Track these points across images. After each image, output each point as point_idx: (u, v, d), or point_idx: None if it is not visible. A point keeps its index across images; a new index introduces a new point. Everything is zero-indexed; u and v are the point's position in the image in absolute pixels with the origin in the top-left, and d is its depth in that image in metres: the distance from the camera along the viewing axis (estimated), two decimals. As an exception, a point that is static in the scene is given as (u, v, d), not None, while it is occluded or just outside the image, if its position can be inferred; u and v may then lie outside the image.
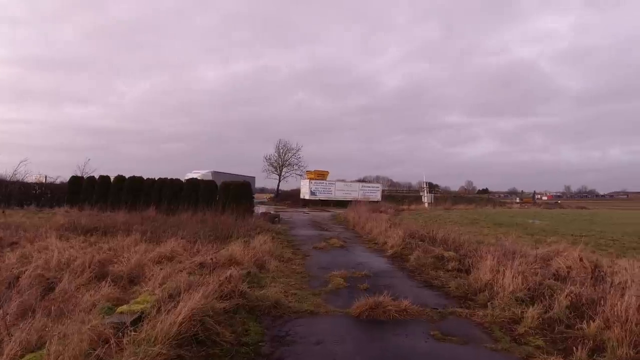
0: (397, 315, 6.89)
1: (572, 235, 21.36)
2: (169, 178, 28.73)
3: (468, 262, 10.51)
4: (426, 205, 62.05)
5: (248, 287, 7.48)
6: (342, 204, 51.63)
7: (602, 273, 8.57)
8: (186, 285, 6.52)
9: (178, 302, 5.50)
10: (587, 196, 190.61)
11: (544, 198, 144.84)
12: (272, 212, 30.31)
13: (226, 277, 7.05)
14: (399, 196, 75.69)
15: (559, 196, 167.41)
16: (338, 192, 59.37)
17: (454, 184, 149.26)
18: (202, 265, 8.90)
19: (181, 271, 8.39)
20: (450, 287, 9.15)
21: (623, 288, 6.59)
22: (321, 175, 62.46)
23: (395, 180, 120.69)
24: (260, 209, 30.56)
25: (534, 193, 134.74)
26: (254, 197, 33.68)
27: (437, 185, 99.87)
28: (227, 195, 24.67)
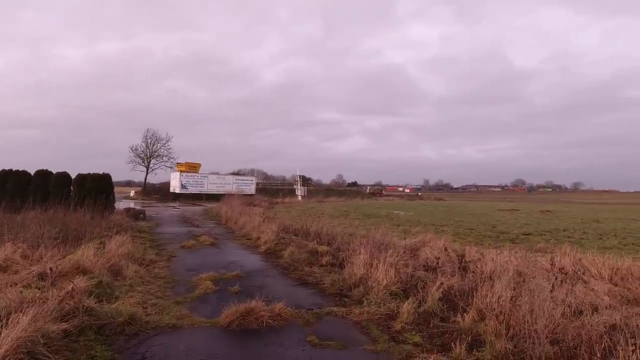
0: (271, 321, 6.30)
1: (433, 225, 22.73)
2: (14, 170, 25.16)
3: (342, 256, 10.35)
4: (300, 198, 62.88)
5: (97, 301, 6.29)
6: (215, 197, 49.93)
7: (467, 262, 8.86)
8: (17, 303, 5.33)
9: (1, 328, 4.37)
10: (443, 189, 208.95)
11: (406, 190, 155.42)
12: (137, 207, 28.13)
13: (67, 292, 5.86)
14: (273, 189, 75.59)
15: (419, 189, 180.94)
16: (211, 186, 57.55)
17: (326, 178, 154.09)
18: (41, 276, 7.44)
19: (14, 285, 6.97)
20: (325, 284, 8.86)
21: (492, 278, 6.74)
22: (193, 168, 60.02)
23: (269, 173, 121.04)
24: (123, 205, 28.21)
25: (382, 186, 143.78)
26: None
27: (310, 179, 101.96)
28: (83, 190, 22.17)
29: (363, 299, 7.46)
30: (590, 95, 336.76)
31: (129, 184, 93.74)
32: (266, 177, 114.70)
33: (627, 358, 4.18)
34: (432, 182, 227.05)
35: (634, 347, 4.23)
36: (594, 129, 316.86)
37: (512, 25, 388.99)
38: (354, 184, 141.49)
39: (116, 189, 27.84)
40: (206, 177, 58.63)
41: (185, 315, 6.68)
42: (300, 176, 72.30)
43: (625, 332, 4.59)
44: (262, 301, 6.70)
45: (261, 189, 69.91)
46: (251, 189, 61.96)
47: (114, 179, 26.29)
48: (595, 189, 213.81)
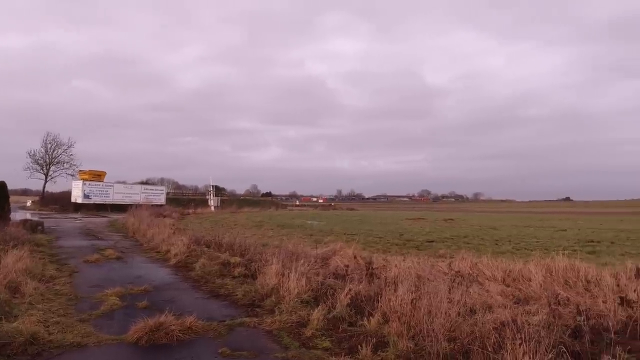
0: (181, 335, 6.22)
1: (345, 234, 23.38)
2: None
3: (254, 266, 10.40)
4: (212, 208, 61.59)
5: (-7, 321, 5.91)
6: (121, 208, 47.47)
7: (374, 269, 9.29)
8: None
9: None
10: (355, 199, 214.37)
11: (320, 201, 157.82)
12: (34, 218, 26.17)
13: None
14: (185, 200, 73.51)
15: (332, 199, 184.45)
16: (117, 195, 54.74)
17: (241, 188, 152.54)
18: None
19: None
20: (237, 295, 8.87)
21: (395, 283, 7.16)
22: (97, 176, 56.72)
23: (181, 182, 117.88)
24: (19, 215, 26.12)
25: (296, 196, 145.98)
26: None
27: (224, 189, 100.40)
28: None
29: (275, 308, 7.59)
30: (494, 113, 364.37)
31: (25, 192, 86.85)
32: (178, 186, 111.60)
33: (514, 351, 4.66)
34: (345, 192, 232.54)
35: (520, 341, 4.73)
36: (495, 144, 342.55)
37: (427, 44, 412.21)
38: (269, 194, 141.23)
39: (12, 198, 25.70)
40: (112, 186, 55.71)
41: (91, 332, 6.38)
42: (213, 186, 70.83)
43: (513, 328, 5.12)
44: (172, 315, 6.60)
45: (172, 199, 67.73)
46: (161, 199, 59.73)
47: (9, 187, 24.36)
48: (493, 198, 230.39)
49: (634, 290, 7.87)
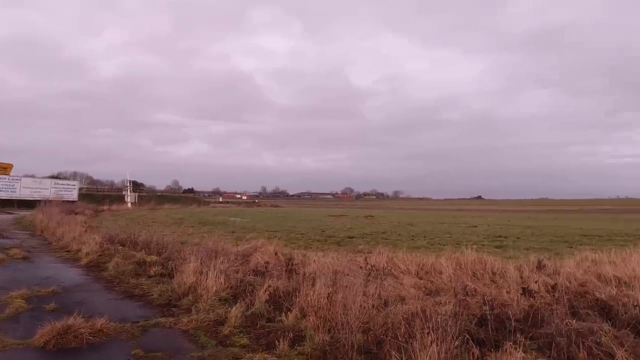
0: (92, 338, 5.93)
1: (268, 231, 23.37)
2: None
3: (171, 265, 10.12)
4: (129, 205, 59.15)
5: None
6: (29, 204, 44.33)
7: (293, 265, 9.39)
8: None
9: None
10: (279, 196, 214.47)
11: (244, 197, 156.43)
12: None
13: None
14: (99, 195, 69.70)
15: (256, 196, 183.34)
16: (24, 190, 51.03)
17: (161, 183, 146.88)
18: None
19: None
20: (153, 295, 8.59)
21: (314, 278, 7.29)
22: (2, 169, 52.61)
23: (96, 177, 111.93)
24: None
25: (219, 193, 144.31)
26: None
27: (142, 184, 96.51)
28: None
29: (192, 307, 7.43)
30: (416, 115, 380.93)
31: None
32: (92, 181, 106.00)
33: (423, 340, 4.89)
34: (269, 189, 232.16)
35: (428, 330, 4.98)
36: (416, 145, 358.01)
37: (354, 46, 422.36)
38: (191, 190, 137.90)
39: None
40: (19, 180, 51.83)
41: (-6, 337, 5.94)
42: (130, 181, 67.82)
43: (422, 318, 5.38)
44: (82, 317, 6.29)
45: (85, 195, 63.99)
46: (73, 194, 56.43)
47: None
48: (412, 196, 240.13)
49: (535, 282, 8.48)
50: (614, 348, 4.81)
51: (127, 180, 68.38)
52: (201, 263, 9.08)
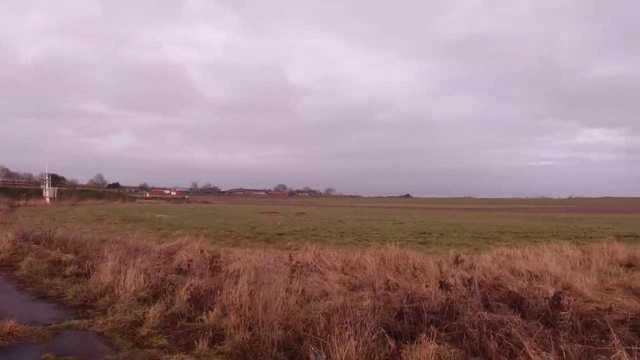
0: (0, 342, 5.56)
1: (196, 228, 22.86)
2: None
3: (89, 264, 9.65)
4: (48, 200, 55.98)
5: None
6: None
7: (218, 263, 9.24)
8: None
9: None
10: (211, 192, 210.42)
11: (173, 193, 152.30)
12: None
13: None
14: (15, 190, 65.32)
15: (186, 192, 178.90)
16: None
17: (84, 178, 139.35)
18: None
19: None
20: (67, 296, 8.14)
21: (237, 276, 7.20)
22: None
23: (13, 170, 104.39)
24: None
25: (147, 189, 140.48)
26: None
27: (63, 178, 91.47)
28: None
29: (109, 308, 7.13)
30: (350, 115, 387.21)
31: None
32: (8, 174, 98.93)
33: (342, 334, 4.95)
34: (201, 185, 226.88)
35: (346, 325, 5.06)
36: (349, 144, 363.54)
37: (292, 44, 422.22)
38: (116, 185, 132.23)
39: None
40: None
41: None
42: (49, 174, 63.98)
43: (341, 313, 5.46)
44: (-11, 320, 5.88)
45: (0, 189, 59.77)
46: (-16, 190, 52.49)
47: None
48: (344, 194, 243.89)
49: (452, 276, 8.86)
50: (522, 339, 5.08)
51: (45, 173, 64.44)
52: (120, 262, 8.73)
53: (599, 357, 4.70)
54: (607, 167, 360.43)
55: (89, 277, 9.01)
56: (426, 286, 8.20)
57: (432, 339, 4.88)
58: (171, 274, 8.58)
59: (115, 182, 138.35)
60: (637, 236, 21.44)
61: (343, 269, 10.46)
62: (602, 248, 13.10)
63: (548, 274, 9.52)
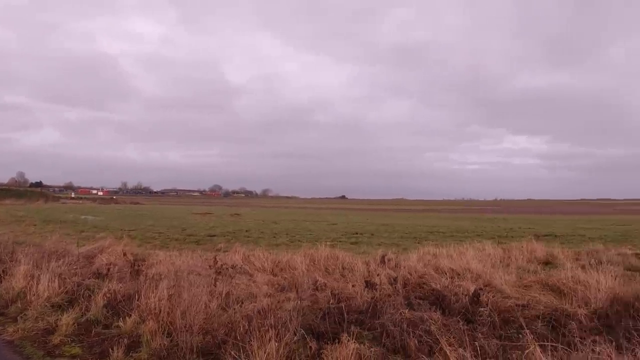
0: None
1: (122, 230, 22.00)
2: None
3: (0, 268, 9.02)
4: (-41, 201, 51.78)
5: None
6: None
7: (141, 266, 8.91)
8: None
9: None
10: (141, 192, 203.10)
11: (100, 193, 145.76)
12: None
13: None
14: None
15: (115, 192, 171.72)
16: None
17: (4, 176, 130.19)
18: None
19: None
20: (-26, 304, 7.58)
21: (158, 280, 6.97)
22: None
23: None
24: None
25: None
26: None
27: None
28: None
29: (20, 315, 6.71)
30: (287, 115, 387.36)
31: None
32: None
33: (262, 337, 4.89)
34: (131, 185, 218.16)
35: (267, 327, 5.02)
36: (286, 144, 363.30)
37: (231, 42, 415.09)
38: (39, 184, 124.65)
39: None
40: None
41: None
42: (-39, 175, 59.41)
43: (262, 316, 5.41)
44: None
45: None
46: None
47: None
48: (280, 195, 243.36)
49: (378, 275, 9.02)
50: (439, 336, 5.23)
51: (-44, 172, 59.75)
52: (34, 266, 8.26)
53: (514, 352, 4.87)
54: (530, 171, 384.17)
55: (0, 282, 8.43)
56: (353, 286, 8.28)
57: (353, 339, 4.94)
58: (89, 278, 8.18)
59: (38, 180, 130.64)
60: (555, 235, 22.77)
61: (273, 270, 10.39)
62: (522, 247, 13.76)
63: (470, 271, 9.83)
